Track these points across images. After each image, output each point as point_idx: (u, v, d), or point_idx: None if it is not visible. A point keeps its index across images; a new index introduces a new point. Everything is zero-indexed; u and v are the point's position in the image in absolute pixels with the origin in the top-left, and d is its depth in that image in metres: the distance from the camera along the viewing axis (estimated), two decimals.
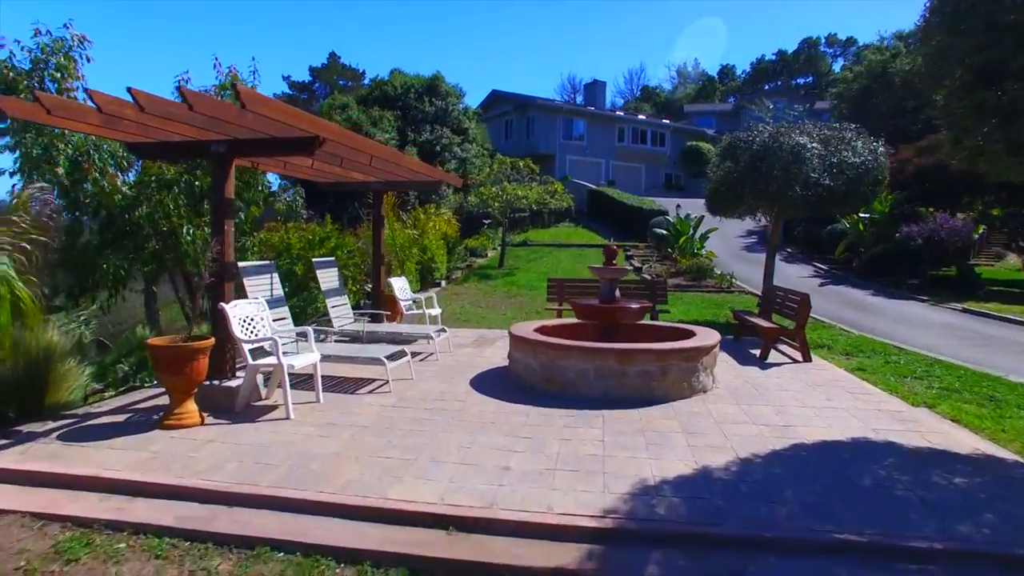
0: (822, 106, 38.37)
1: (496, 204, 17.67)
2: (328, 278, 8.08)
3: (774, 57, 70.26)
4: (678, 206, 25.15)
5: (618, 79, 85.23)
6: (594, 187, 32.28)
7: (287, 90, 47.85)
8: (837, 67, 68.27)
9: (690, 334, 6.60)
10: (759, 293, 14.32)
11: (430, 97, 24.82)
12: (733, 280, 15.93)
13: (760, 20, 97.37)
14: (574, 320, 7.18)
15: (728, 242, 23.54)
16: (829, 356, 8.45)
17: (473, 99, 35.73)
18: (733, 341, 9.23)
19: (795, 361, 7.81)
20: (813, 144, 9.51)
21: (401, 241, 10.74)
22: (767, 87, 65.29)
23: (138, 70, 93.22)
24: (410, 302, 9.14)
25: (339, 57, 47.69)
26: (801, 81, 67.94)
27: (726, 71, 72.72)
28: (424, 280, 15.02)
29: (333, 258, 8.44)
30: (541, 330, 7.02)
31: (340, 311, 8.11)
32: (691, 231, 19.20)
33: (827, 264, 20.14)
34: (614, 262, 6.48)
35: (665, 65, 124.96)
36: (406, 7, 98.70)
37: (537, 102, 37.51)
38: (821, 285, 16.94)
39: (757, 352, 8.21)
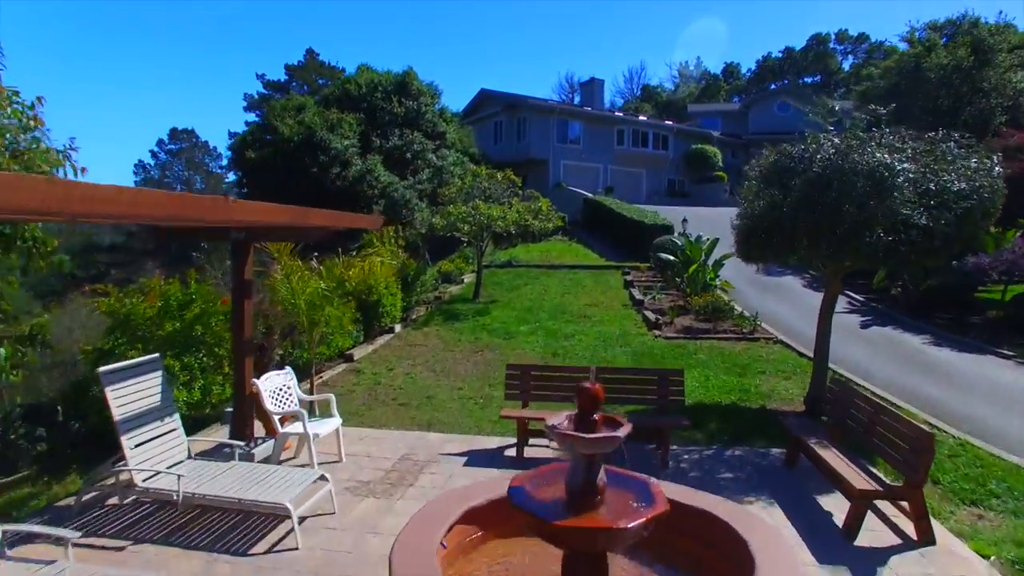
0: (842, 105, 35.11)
1: (466, 227, 14.46)
2: (136, 396, 4.90)
3: (780, 55, 67.15)
4: (685, 221, 21.94)
5: (617, 78, 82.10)
6: (590, 195, 29.09)
7: (262, 89, 44.82)
8: (847, 65, 65.17)
9: (737, 547, 3.46)
10: (795, 346, 11.20)
11: (399, 97, 21.60)
12: (758, 324, 12.77)
13: (766, 17, 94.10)
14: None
15: (739, 262, 20.34)
16: (944, 508, 5.31)
17: (464, 99, 32.64)
18: (783, 465, 6.13)
19: (903, 539, 4.67)
20: (904, 164, 6.35)
21: (307, 299, 7.55)
22: (773, 86, 62.13)
23: (117, 75, 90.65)
24: (295, 407, 6.01)
25: (317, 54, 44.60)
26: (809, 80, 64.76)
27: (731, 69, 69.51)
28: (369, 328, 11.87)
29: (156, 355, 5.27)
30: (468, 521, 3.89)
31: (156, 450, 4.94)
32: (703, 257, 15.99)
33: (863, 295, 16.94)
34: (595, 416, 3.28)
35: (666, 64, 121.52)
36: (395, 2, 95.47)
37: (529, 102, 34.26)
38: (864, 326, 13.76)
39: (834, 510, 5.09)
